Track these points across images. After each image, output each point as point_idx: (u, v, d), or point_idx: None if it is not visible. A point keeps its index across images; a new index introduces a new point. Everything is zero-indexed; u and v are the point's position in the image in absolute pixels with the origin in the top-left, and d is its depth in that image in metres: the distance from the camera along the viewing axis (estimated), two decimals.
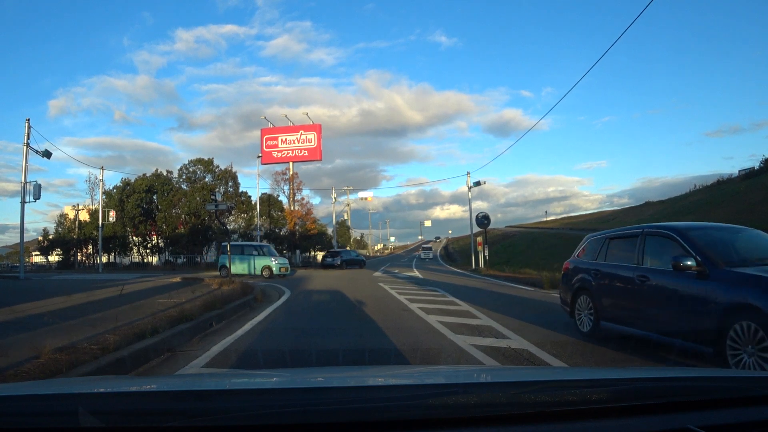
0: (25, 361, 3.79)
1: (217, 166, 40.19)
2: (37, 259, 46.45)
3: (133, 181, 39.25)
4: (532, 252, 34.05)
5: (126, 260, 40.46)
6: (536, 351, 4.92)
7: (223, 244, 23.99)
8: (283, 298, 10.98)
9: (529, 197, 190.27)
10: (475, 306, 8.84)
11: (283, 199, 43.20)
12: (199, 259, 38.72)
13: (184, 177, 40.00)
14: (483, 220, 27.92)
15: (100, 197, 34.89)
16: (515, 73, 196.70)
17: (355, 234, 78.01)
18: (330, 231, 46.70)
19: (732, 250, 4.64)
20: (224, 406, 1.22)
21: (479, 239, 28.27)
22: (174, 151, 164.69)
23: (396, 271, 26.48)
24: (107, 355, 4.12)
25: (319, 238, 42.28)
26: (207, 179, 39.63)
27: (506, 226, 70.34)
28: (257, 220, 37.38)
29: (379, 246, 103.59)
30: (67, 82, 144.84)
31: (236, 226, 40.94)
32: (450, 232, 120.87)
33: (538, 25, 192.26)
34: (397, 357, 4.65)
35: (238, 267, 21.34)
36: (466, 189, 32.39)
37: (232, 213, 40.18)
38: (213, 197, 31.83)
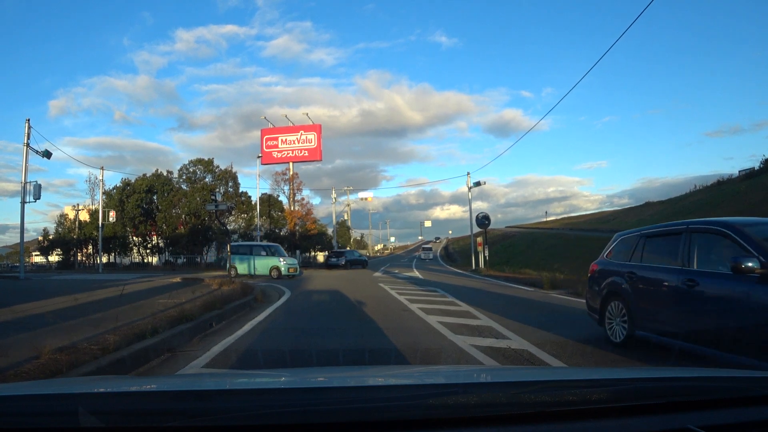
0: (25, 361, 3.79)
1: (217, 167, 40.22)
2: (37, 259, 46.46)
3: (133, 181, 39.27)
4: (532, 252, 34.06)
5: (126, 260, 40.46)
6: (536, 351, 4.91)
7: (232, 244, 23.87)
8: (283, 299, 10.97)
9: (529, 197, 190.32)
10: (475, 306, 8.83)
11: (283, 199, 43.24)
12: (199, 260, 38.72)
13: (184, 177, 40.01)
14: (483, 220, 27.93)
15: (100, 197, 34.90)
16: (515, 73, 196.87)
17: (355, 234, 78.02)
18: (330, 231, 46.70)
19: None
20: (224, 406, 1.22)
21: (479, 239, 28.27)
22: (174, 151, 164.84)
23: (396, 271, 26.48)
24: (107, 356, 4.12)
25: (319, 239, 42.29)
26: (207, 179, 39.63)
27: (506, 227, 70.37)
28: (257, 221, 37.37)
29: (379, 246, 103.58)
30: (67, 82, 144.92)
31: (236, 226, 40.96)
32: (450, 232, 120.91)
33: (538, 26, 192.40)
34: (397, 357, 4.64)
35: (246, 267, 21.23)
36: (466, 189, 32.41)
37: (232, 213, 40.22)
38: (213, 197, 31.96)
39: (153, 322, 5.71)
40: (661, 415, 1.21)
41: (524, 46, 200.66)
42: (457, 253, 58.98)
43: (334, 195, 45.51)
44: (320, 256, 45.26)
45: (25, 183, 20.80)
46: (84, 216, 40.10)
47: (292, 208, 41.08)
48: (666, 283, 4.66)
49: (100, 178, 34.20)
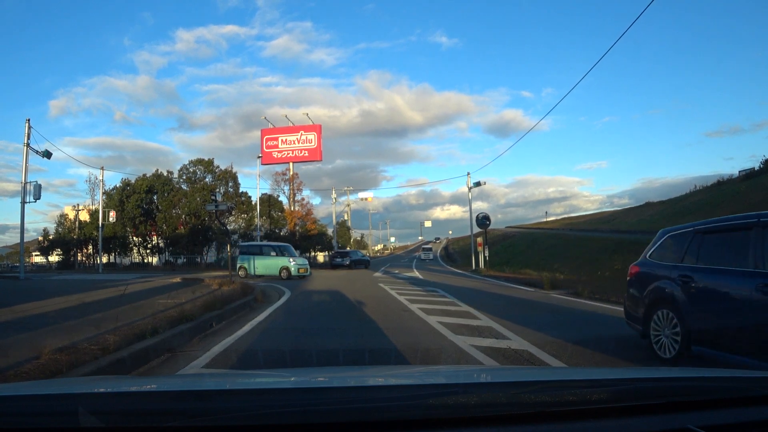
0: (25, 362, 3.78)
1: (218, 167, 40.23)
2: (38, 259, 46.51)
3: (133, 181, 39.28)
4: (532, 252, 34.06)
5: (126, 260, 40.48)
6: (536, 351, 4.91)
7: (241, 244, 23.65)
8: (283, 299, 10.98)
9: (530, 198, 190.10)
10: (475, 307, 8.83)
11: (283, 199, 43.26)
12: (199, 260, 38.71)
13: (184, 177, 40.01)
14: (483, 220, 27.93)
15: (100, 197, 34.91)
16: (515, 73, 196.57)
17: (356, 234, 78.00)
18: (330, 231, 46.70)
19: None
20: (224, 406, 1.22)
21: (479, 240, 28.27)
22: (174, 151, 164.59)
23: (396, 271, 26.48)
24: (107, 356, 4.12)
25: (319, 239, 42.29)
26: (207, 179, 39.64)
27: (506, 227, 70.31)
28: (257, 221, 37.37)
29: (380, 246, 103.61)
30: (67, 82, 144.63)
31: (236, 226, 40.99)
32: (450, 232, 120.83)
33: (538, 26, 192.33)
34: (397, 357, 4.64)
35: (255, 267, 20.86)
36: (467, 189, 32.41)
37: (232, 213, 40.25)
38: (213, 197, 32.03)
39: (153, 322, 5.71)
40: (661, 415, 1.21)
41: (524, 47, 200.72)
42: (457, 253, 58.98)
43: (334, 195, 45.53)
44: (320, 257, 45.29)
45: (25, 183, 20.81)
46: (84, 216, 40.12)
47: (292, 209, 41.09)
48: (733, 289, 4.02)
49: (100, 178, 34.24)
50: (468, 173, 32.25)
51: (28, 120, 21.22)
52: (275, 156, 42.46)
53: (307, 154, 42.55)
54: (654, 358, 4.63)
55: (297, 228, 39.85)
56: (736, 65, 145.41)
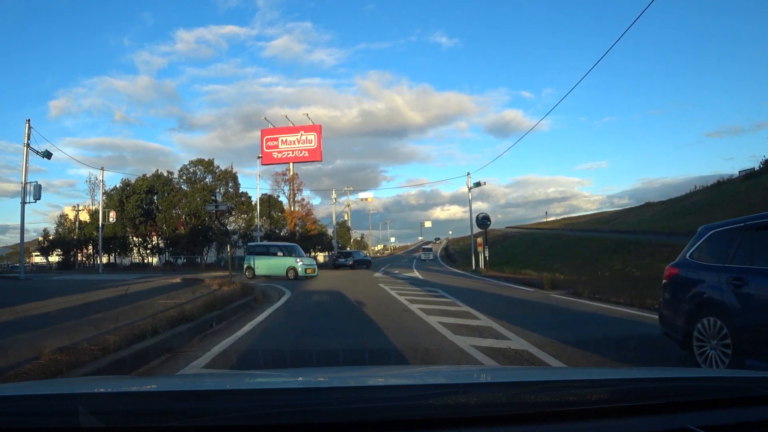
0: (25, 362, 3.79)
1: (218, 167, 40.29)
2: (38, 259, 46.56)
3: (133, 181, 39.34)
4: (532, 253, 34.06)
5: (126, 261, 40.53)
6: (536, 352, 4.91)
7: (249, 244, 23.50)
8: (283, 299, 10.98)
9: (530, 198, 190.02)
10: (475, 307, 8.83)
11: (283, 199, 43.33)
12: (199, 260, 38.75)
13: (184, 177, 40.07)
14: (483, 220, 27.94)
15: (100, 198, 34.96)
16: (516, 73, 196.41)
17: (356, 234, 78.05)
18: (330, 231, 46.73)
19: None
20: (224, 406, 1.22)
21: (479, 240, 28.28)
22: (174, 151, 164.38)
23: (396, 271, 26.49)
24: (107, 356, 4.12)
25: (319, 239, 42.32)
26: (207, 180, 39.69)
27: (506, 227, 70.32)
28: (257, 221, 37.40)
29: (380, 246, 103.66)
30: (67, 82, 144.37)
31: (236, 226, 41.04)
32: (450, 232, 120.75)
33: (538, 26, 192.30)
34: (398, 357, 4.65)
35: (262, 268, 20.63)
36: (467, 190, 32.41)
37: (233, 213, 40.29)
38: (213, 198, 32.06)
39: (153, 322, 5.71)
40: (662, 416, 1.21)
41: (524, 47, 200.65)
42: (457, 253, 58.98)
43: (334, 195, 45.55)
44: (320, 257, 45.30)
45: (26, 183, 20.84)
46: (84, 216, 40.18)
47: (292, 209, 41.12)
48: None
49: (101, 178, 34.29)
50: (468, 173, 32.31)
51: (28, 120, 21.27)
52: (275, 156, 42.48)
53: (307, 155, 42.57)
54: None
55: (297, 228, 39.87)
56: (736, 65, 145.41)
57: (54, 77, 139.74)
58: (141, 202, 38.51)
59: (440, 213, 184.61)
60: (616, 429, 1.19)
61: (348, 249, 44.71)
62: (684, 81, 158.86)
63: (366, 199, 56.33)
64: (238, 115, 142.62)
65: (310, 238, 40.09)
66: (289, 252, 21.09)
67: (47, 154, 22.08)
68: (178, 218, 38.51)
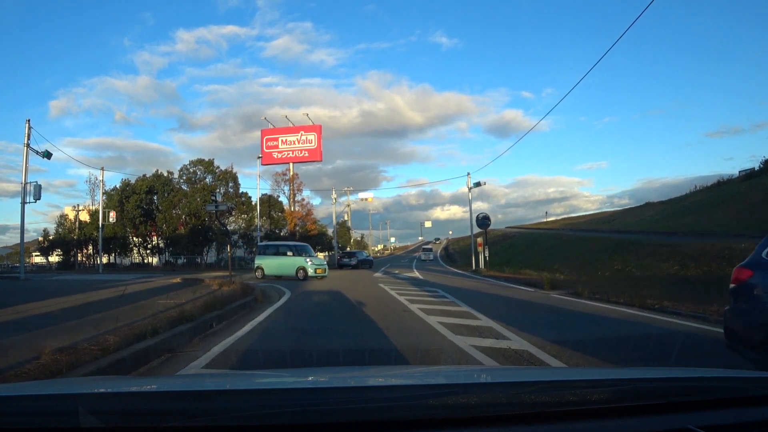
0: (25, 362, 3.78)
1: (218, 167, 40.30)
2: (38, 259, 46.54)
3: (133, 181, 39.36)
4: (532, 253, 34.05)
5: (126, 261, 40.53)
6: (536, 352, 4.91)
7: (259, 244, 23.35)
8: (284, 299, 10.98)
9: (530, 198, 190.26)
10: (474, 307, 8.83)
11: (283, 199, 43.33)
12: (199, 260, 38.75)
13: (184, 178, 40.09)
14: (483, 220, 27.94)
15: (100, 198, 34.96)
16: (516, 73, 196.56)
17: (356, 234, 78.05)
18: (330, 232, 46.69)
19: None
20: (224, 407, 1.22)
21: (479, 240, 28.27)
22: (174, 151, 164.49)
23: (396, 271, 26.48)
24: (107, 356, 4.11)
25: (319, 239, 42.30)
26: (207, 180, 39.70)
27: (506, 227, 70.32)
28: (257, 221, 37.40)
29: (380, 247, 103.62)
30: (68, 82, 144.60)
31: (236, 226, 41.03)
32: (450, 232, 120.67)
33: (538, 26, 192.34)
34: (398, 357, 4.64)
35: (271, 268, 20.30)
36: (467, 190, 32.39)
37: (233, 214, 40.28)
38: (213, 198, 32.05)
39: (153, 322, 5.71)
40: (662, 416, 1.22)
41: (525, 47, 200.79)
42: (457, 253, 58.95)
43: (334, 195, 45.47)
44: (320, 257, 45.24)
45: (26, 183, 20.83)
46: (84, 216, 40.17)
47: (292, 209, 41.12)
48: None
49: (101, 178, 34.28)
50: (468, 173, 32.28)
51: (29, 120, 21.26)
52: (275, 156, 42.49)
53: (307, 155, 42.57)
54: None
55: (297, 228, 39.86)
56: (736, 65, 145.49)
57: (54, 77, 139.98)
58: (141, 202, 38.51)
59: (440, 213, 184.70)
60: (616, 429, 1.19)
61: (348, 249, 44.76)
62: (684, 81, 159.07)
63: (366, 199, 56.28)
64: (238, 115, 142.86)
65: (310, 238, 40.04)
66: (298, 252, 20.54)
67: (47, 154, 22.08)
68: (178, 218, 38.51)
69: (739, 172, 37.21)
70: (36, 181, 21.65)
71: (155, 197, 39.45)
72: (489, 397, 1.29)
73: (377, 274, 23.07)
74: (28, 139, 21.04)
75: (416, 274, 23.81)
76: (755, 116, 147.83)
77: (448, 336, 5.85)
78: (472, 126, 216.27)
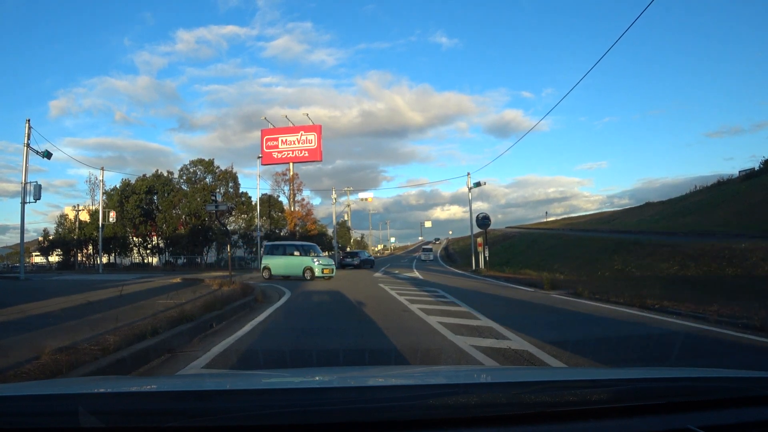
0: (25, 362, 3.78)
1: (218, 167, 40.32)
2: (38, 259, 46.53)
3: (133, 181, 39.38)
4: (532, 253, 34.05)
5: (126, 261, 40.53)
6: (536, 352, 4.91)
7: (267, 244, 23.16)
8: (283, 299, 10.98)
9: (530, 198, 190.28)
10: (474, 307, 8.83)
11: (283, 199, 43.34)
12: (199, 260, 38.77)
13: (184, 178, 40.11)
14: (483, 220, 27.94)
15: (100, 198, 34.98)
16: (516, 74, 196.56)
17: (356, 234, 78.06)
18: (330, 232, 46.71)
19: None
20: (224, 407, 1.22)
21: (479, 240, 28.28)
22: (174, 151, 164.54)
23: (396, 272, 26.49)
24: (107, 356, 4.11)
25: (319, 239, 42.27)
26: (207, 180, 39.72)
27: (506, 227, 70.32)
28: (257, 221, 37.41)
29: (380, 247, 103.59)
30: (68, 82, 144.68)
31: (236, 226, 41.03)
32: (450, 232, 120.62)
33: (538, 26, 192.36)
34: (398, 357, 4.64)
35: (278, 268, 19.96)
36: (467, 190, 32.39)
37: (233, 214, 40.28)
38: (213, 198, 32.00)
39: (153, 322, 5.71)
40: (662, 416, 1.21)
41: (525, 47, 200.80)
42: (457, 253, 58.95)
43: (334, 195, 45.47)
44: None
45: (26, 183, 20.82)
46: (84, 216, 40.16)
47: (292, 209, 41.14)
48: None
49: (101, 178, 34.29)
50: (468, 173, 32.28)
51: (29, 120, 21.25)
52: (275, 156, 42.50)
53: (307, 155, 42.59)
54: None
55: (297, 228, 39.88)
56: (736, 65, 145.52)
57: (54, 77, 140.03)
58: (141, 202, 38.53)
59: (440, 213, 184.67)
60: (616, 429, 1.19)
61: (348, 249, 44.81)
62: (684, 81, 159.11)
63: (366, 199, 56.30)
64: (238, 115, 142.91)
65: (310, 239, 40.05)
66: (305, 251, 20.16)
67: (47, 154, 22.07)
68: (178, 218, 38.52)
69: (739, 172, 37.23)
70: (36, 181, 21.65)
71: (155, 197, 39.46)
72: (489, 397, 1.29)
73: (377, 274, 23.07)
74: (28, 139, 21.04)
75: (416, 274, 23.81)
76: (755, 116, 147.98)
77: (448, 336, 5.85)
78: (472, 126, 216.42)
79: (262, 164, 39.15)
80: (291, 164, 42.26)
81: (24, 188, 20.78)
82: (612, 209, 66.19)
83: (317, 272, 18.95)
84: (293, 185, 41.54)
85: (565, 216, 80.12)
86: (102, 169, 34.34)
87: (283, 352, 4.92)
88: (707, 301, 8.17)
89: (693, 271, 14.73)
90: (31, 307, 8.16)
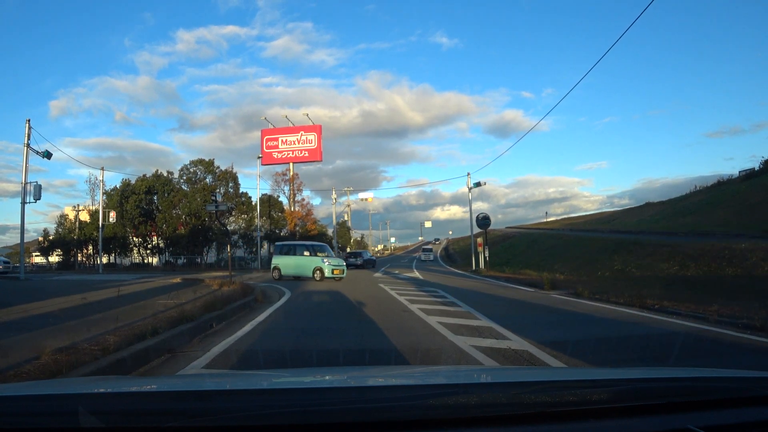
0: (25, 362, 3.79)
1: (218, 167, 40.31)
2: (38, 259, 46.46)
3: (133, 182, 39.39)
4: (532, 253, 34.05)
5: (126, 261, 40.52)
6: (536, 352, 4.91)
7: (277, 243, 22.95)
8: (284, 299, 10.98)
9: (530, 198, 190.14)
10: (475, 307, 8.83)
11: (283, 199, 43.34)
12: (199, 260, 38.75)
13: (184, 178, 40.11)
14: (483, 220, 27.95)
15: (100, 198, 34.96)
16: (516, 74, 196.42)
17: (356, 235, 78.06)
18: (330, 232, 46.71)
19: None
20: (224, 407, 1.22)
21: (479, 240, 28.28)
22: (175, 151, 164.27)
23: (396, 272, 26.49)
24: (108, 356, 4.11)
25: (319, 239, 42.17)
26: (207, 180, 39.72)
27: (506, 227, 70.33)
28: (257, 221, 37.42)
29: (380, 247, 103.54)
30: (68, 82, 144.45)
31: (236, 226, 41.03)
32: (450, 232, 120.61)
33: (539, 26, 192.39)
34: (398, 357, 4.64)
35: (288, 268, 19.56)
36: (467, 190, 32.40)
37: (233, 214, 40.29)
38: (213, 198, 32.01)
39: (153, 322, 5.71)
40: (662, 416, 1.22)
41: (525, 47, 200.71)
42: (457, 253, 58.96)
43: (334, 195, 45.52)
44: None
45: (26, 183, 20.82)
46: (84, 216, 40.15)
47: (292, 209, 41.14)
48: None
49: (101, 178, 34.26)
50: (468, 173, 32.28)
51: (29, 120, 21.23)
52: (275, 156, 42.49)
53: (307, 155, 42.57)
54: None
55: (297, 228, 39.88)
56: (736, 65, 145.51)
57: (54, 77, 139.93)
58: (141, 203, 38.53)
59: (440, 213, 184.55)
60: (616, 429, 1.19)
61: (348, 249, 44.83)
62: (684, 81, 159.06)
63: (366, 199, 56.29)
64: (238, 115, 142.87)
65: (310, 239, 40.11)
66: (315, 251, 19.65)
67: (47, 155, 22.06)
68: (178, 218, 38.52)
69: (739, 172, 37.20)
70: (36, 181, 21.63)
71: (155, 197, 39.46)
72: (489, 397, 1.29)
73: (377, 274, 23.07)
74: (28, 139, 21.03)
75: (416, 274, 23.82)
76: (755, 116, 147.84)
77: (448, 336, 5.85)
78: (472, 126, 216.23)
79: (262, 164, 39.24)
80: (291, 164, 42.24)
81: (24, 188, 20.77)
82: (612, 209, 66.25)
83: (327, 273, 18.42)
84: (293, 185, 41.57)
85: (565, 216, 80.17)
86: (102, 169, 34.37)
87: (283, 352, 4.92)
88: (707, 301, 8.18)
89: (693, 271, 14.73)
90: (31, 307, 8.16)
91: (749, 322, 6.23)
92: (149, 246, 40.47)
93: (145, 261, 40.25)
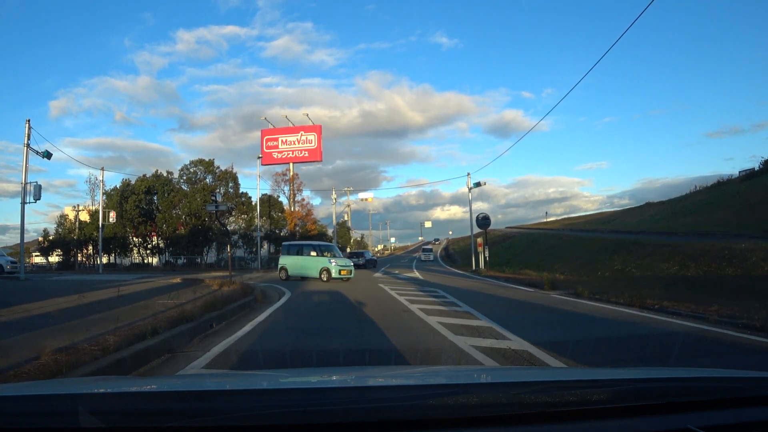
0: (25, 362, 3.79)
1: (218, 167, 40.31)
2: (38, 259, 46.42)
3: (133, 182, 39.38)
4: (532, 253, 34.05)
5: (126, 261, 40.51)
6: (536, 352, 4.91)
7: (284, 243, 22.88)
8: (283, 299, 10.98)
9: (530, 198, 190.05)
10: (475, 307, 8.83)
11: (283, 199, 43.35)
12: (199, 260, 38.74)
13: (184, 178, 40.10)
14: (483, 221, 27.95)
15: (100, 198, 34.95)
16: (516, 74, 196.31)
17: (356, 235, 78.06)
18: (330, 232, 46.69)
19: None
20: (224, 407, 1.22)
21: (479, 240, 28.29)
22: (175, 152, 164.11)
23: (396, 272, 26.49)
24: (108, 356, 4.11)
25: (319, 239, 42.29)
26: (207, 180, 39.71)
27: (506, 227, 70.33)
28: (257, 221, 37.41)
29: (380, 247, 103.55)
30: (68, 83, 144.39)
31: (236, 226, 41.01)
32: (450, 233, 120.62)
33: (539, 27, 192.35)
34: (398, 358, 4.64)
35: (295, 268, 19.23)
36: (467, 190, 32.40)
37: (233, 214, 40.27)
38: (213, 198, 32.04)
39: (153, 322, 5.71)
40: (662, 416, 1.22)
41: (525, 47, 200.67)
42: (457, 253, 58.96)
43: (334, 195, 45.50)
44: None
45: (26, 184, 20.80)
46: (84, 216, 40.14)
47: (292, 209, 41.15)
48: None
49: (101, 178, 34.24)
50: (468, 174, 32.28)
51: (29, 120, 21.21)
52: (275, 156, 42.50)
53: (307, 155, 42.58)
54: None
55: (297, 228, 39.87)
56: (736, 65, 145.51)
57: (54, 77, 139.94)
58: (141, 203, 38.53)
59: (440, 213, 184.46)
60: (616, 429, 1.19)
61: (348, 249, 44.86)
62: (684, 81, 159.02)
63: (366, 200, 56.26)
64: (238, 115, 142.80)
65: (310, 239, 40.12)
66: (322, 251, 19.22)
67: (47, 155, 22.05)
68: (178, 218, 38.52)
69: (739, 172, 37.19)
70: (36, 181, 21.64)
71: (155, 197, 39.46)
72: (489, 398, 1.29)
73: (377, 274, 23.07)
74: (28, 139, 21.01)
75: (416, 274, 23.82)
76: (755, 116, 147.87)
77: (448, 336, 5.85)
78: (472, 126, 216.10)
79: (262, 164, 39.22)
80: (291, 164, 42.25)
81: (24, 188, 20.76)
82: (612, 209, 66.22)
83: (334, 273, 17.92)
84: (293, 185, 41.58)
85: (565, 216, 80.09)
86: (102, 169, 34.34)
87: (283, 352, 4.93)
88: (707, 302, 8.18)
89: (693, 272, 14.73)
90: (31, 307, 8.15)
91: (749, 322, 6.23)
92: (149, 246, 40.46)
93: (145, 261, 40.24)
